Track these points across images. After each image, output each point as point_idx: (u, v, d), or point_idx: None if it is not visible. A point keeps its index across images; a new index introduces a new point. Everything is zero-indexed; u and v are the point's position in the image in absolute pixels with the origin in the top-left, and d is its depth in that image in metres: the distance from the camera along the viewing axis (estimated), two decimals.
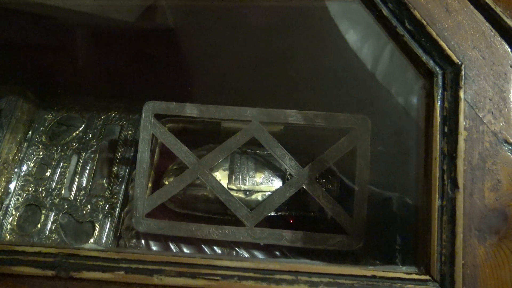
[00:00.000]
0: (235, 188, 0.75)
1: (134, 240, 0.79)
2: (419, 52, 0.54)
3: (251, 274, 0.51)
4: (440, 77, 0.53)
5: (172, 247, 0.79)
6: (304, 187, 0.72)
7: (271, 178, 0.76)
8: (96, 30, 0.96)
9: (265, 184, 0.76)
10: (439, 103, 0.52)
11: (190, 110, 0.76)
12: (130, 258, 0.52)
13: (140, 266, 0.52)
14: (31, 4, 0.90)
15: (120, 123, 0.95)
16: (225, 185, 0.75)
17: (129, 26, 0.92)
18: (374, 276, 0.50)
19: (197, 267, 0.52)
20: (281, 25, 0.79)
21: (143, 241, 0.79)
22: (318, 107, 0.74)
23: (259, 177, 0.76)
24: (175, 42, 0.94)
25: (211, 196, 0.76)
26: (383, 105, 0.75)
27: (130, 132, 0.94)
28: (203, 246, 0.78)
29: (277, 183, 0.76)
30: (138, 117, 0.96)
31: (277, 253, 0.76)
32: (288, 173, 0.77)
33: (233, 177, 0.76)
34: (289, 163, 0.73)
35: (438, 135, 0.52)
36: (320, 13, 0.77)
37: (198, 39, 0.93)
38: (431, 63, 0.54)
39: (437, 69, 0.53)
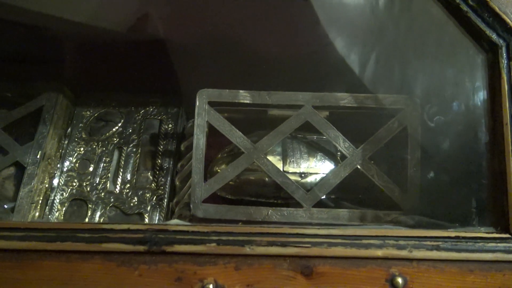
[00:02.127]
0: (290, 171, 0.77)
1: None
2: (483, 26, 0.57)
3: (340, 241, 0.53)
4: (504, 48, 0.57)
5: None
6: (359, 167, 0.75)
7: (323, 160, 0.79)
8: (129, 26, 0.97)
9: (318, 167, 0.78)
10: (505, 72, 0.56)
11: (243, 96, 0.78)
12: (220, 231, 0.54)
13: (231, 238, 0.53)
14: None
15: (159, 117, 0.96)
16: (280, 169, 0.77)
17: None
18: (457, 237, 0.53)
19: (286, 236, 0.53)
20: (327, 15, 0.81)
21: None
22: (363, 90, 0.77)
23: (312, 160, 0.78)
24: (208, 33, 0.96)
25: (266, 180, 0.77)
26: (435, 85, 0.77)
27: (170, 125, 0.95)
28: None
29: (329, 165, 0.78)
30: (177, 111, 0.97)
31: None
32: (339, 155, 0.79)
33: (288, 160, 0.78)
34: (343, 145, 0.75)
35: (507, 102, 0.55)
36: None
37: (231, 27, 0.94)
38: (494, 36, 0.57)
39: (501, 41, 0.57)
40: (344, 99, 0.76)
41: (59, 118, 0.92)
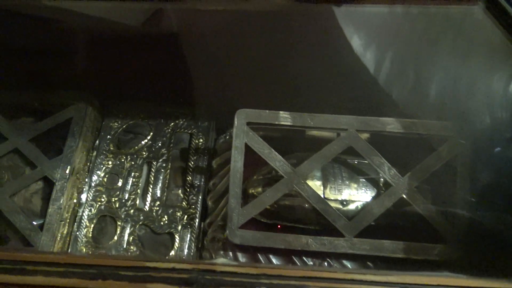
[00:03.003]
0: (331, 198, 0.74)
1: (221, 252, 0.77)
2: None
3: None
4: None
5: (261, 258, 0.77)
6: (404, 196, 0.71)
7: (365, 187, 0.75)
8: (158, 35, 0.94)
9: (360, 194, 0.75)
10: None
11: (284, 118, 0.74)
12: (270, 274, 0.51)
13: (282, 282, 0.50)
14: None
15: (189, 131, 0.93)
16: (321, 195, 0.73)
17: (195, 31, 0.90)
18: None
19: (342, 281, 0.50)
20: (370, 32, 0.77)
21: (230, 253, 0.78)
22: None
23: (354, 187, 0.75)
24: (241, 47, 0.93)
25: (306, 206, 0.74)
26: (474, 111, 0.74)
27: (201, 140, 0.92)
28: (293, 257, 0.76)
29: (371, 192, 0.75)
30: (208, 125, 0.94)
31: (369, 263, 0.75)
32: (382, 181, 0.76)
33: (328, 186, 0.75)
34: (388, 172, 0.72)
35: None
36: None
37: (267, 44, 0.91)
38: None
39: None
40: (390, 124, 0.73)
41: (88, 130, 0.89)
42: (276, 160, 0.73)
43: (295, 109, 0.78)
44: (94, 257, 0.52)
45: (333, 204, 0.73)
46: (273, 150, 0.74)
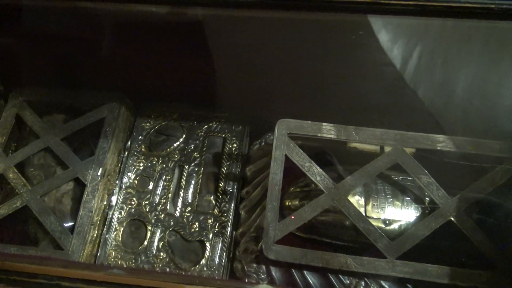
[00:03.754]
0: (374, 216, 0.70)
1: (254, 265, 0.75)
2: None
3: None
4: None
5: (295, 274, 0.74)
6: (452, 219, 0.67)
7: (409, 206, 0.71)
8: (196, 37, 0.91)
9: (404, 213, 0.71)
10: None
11: (327, 130, 0.71)
12: None
13: None
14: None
15: (223, 135, 0.90)
16: (362, 212, 0.70)
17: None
18: None
19: None
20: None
21: (263, 266, 0.75)
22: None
23: (397, 205, 0.71)
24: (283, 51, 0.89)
25: (346, 223, 0.71)
26: None
27: (234, 145, 0.89)
28: (329, 274, 0.73)
29: (415, 212, 0.71)
30: (242, 129, 0.91)
31: (409, 285, 0.72)
32: (427, 200, 0.72)
33: (370, 203, 0.71)
34: (436, 193, 0.68)
35: None
36: None
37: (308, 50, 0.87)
38: None
39: None
40: (441, 141, 0.68)
41: (120, 131, 0.87)
42: (317, 174, 0.70)
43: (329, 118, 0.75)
44: (132, 275, 0.49)
45: (375, 223, 0.69)
46: (314, 163, 0.70)
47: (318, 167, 0.70)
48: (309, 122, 0.71)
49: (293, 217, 0.73)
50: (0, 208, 0.79)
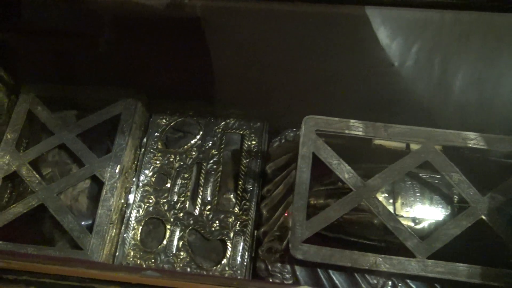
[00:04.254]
0: (403, 215, 0.69)
1: (279, 265, 0.73)
2: None
3: None
4: None
5: (320, 273, 0.72)
6: (484, 217, 0.66)
7: (439, 204, 0.70)
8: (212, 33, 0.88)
9: (433, 211, 0.70)
10: None
11: (355, 127, 0.69)
12: None
13: None
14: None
15: (241, 132, 0.88)
16: (391, 211, 0.68)
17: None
18: None
19: None
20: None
21: (288, 266, 0.73)
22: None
23: (426, 203, 0.70)
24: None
25: (375, 222, 0.69)
26: None
27: (253, 142, 0.87)
28: (355, 274, 0.72)
29: (445, 211, 0.70)
30: (260, 126, 0.89)
31: (437, 285, 0.71)
32: (456, 198, 0.71)
33: (399, 201, 0.70)
34: (467, 191, 0.67)
35: None
36: None
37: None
38: None
39: None
40: (472, 139, 0.67)
41: (136, 128, 0.85)
42: (345, 172, 0.68)
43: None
44: (167, 278, 0.48)
45: (404, 221, 0.68)
46: (342, 160, 0.69)
47: (346, 165, 0.69)
48: (336, 118, 0.70)
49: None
50: (15, 207, 0.77)
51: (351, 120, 0.69)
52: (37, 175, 0.79)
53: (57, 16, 0.84)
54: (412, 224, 0.69)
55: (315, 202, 0.74)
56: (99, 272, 0.47)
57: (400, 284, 0.71)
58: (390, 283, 0.71)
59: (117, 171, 0.79)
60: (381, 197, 0.70)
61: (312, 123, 0.70)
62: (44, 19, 0.83)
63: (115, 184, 0.78)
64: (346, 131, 0.69)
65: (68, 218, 0.75)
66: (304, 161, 0.69)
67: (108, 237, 0.76)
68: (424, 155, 0.67)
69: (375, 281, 0.71)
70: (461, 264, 0.66)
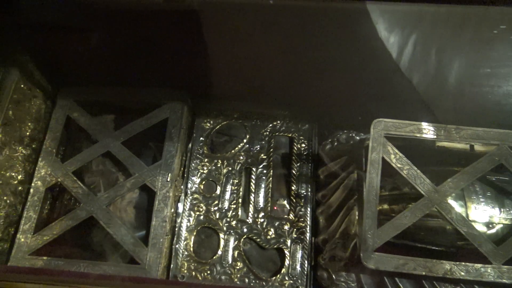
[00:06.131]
0: (476, 219, 0.66)
1: (344, 273, 0.71)
2: None
3: None
4: None
5: (386, 281, 0.70)
6: None
7: (509, 208, 0.68)
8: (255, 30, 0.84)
9: (506, 215, 0.67)
10: None
11: (426, 130, 0.67)
12: None
13: None
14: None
15: (289, 134, 0.85)
16: (464, 216, 0.66)
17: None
18: None
19: None
20: None
21: (353, 274, 0.71)
22: None
23: (499, 207, 0.68)
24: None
25: (447, 228, 0.67)
26: None
27: (303, 145, 0.84)
28: (423, 281, 0.69)
29: None
30: (309, 128, 0.86)
31: None
32: None
33: (471, 206, 0.67)
34: None
35: None
36: None
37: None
38: None
39: None
40: None
41: (184, 133, 0.81)
42: (416, 177, 0.66)
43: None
44: None
45: (476, 226, 0.66)
46: (412, 165, 0.66)
47: (417, 170, 0.66)
48: (406, 121, 0.67)
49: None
50: (63, 220, 0.73)
51: (422, 123, 0.67)
52: (83, 186, 0.75)
53: (90, 15, 0.79)
54: (485, 229, 0.67)
55: (380, 208, 0.71)
56: None
57: None
58: None
59: (168, 179, 0.75)
60: (452, 202, 0.68)
61: (381, 127, 0.67)
62: (80, 18, 0.79)
63: (168, 194, 0.74)
64: (417, 135, 0.67)
65: (121, 231, 0.72)
66: (373, 166, 0.66)
67: (164, 249, 0.72)
68: (498, 157, 0.65)
69: None
70: None
